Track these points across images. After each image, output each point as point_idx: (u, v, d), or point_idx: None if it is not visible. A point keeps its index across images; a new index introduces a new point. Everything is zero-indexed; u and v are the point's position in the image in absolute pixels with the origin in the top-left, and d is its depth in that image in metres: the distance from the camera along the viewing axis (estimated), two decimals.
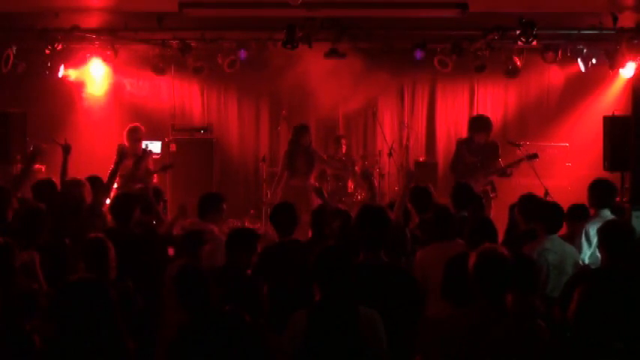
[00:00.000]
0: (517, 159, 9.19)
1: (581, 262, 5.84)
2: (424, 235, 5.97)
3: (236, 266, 5.15)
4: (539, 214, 5.70)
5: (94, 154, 9.79)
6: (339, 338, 3.92)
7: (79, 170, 7.37)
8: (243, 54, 10.19)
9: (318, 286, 4.07)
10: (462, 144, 9.39)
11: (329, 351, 3.92)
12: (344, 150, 10.64)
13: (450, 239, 5.50)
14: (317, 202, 8.64)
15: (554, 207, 5.79)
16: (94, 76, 10.77)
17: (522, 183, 9.51)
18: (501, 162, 9.26)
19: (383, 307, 4.15)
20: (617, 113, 8.95)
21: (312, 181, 8.96)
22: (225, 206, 6.60)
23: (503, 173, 9.18)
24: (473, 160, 9.09)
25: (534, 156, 9.03)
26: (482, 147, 9.22)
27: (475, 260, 3.93)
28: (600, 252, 4.91)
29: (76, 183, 6.60)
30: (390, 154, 10.43)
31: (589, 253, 5.84)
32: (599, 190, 6.07)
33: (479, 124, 9.41)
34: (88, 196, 6.50)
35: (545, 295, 5.11)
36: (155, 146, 10.49)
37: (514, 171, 9.32)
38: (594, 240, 5.82)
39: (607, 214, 5.96)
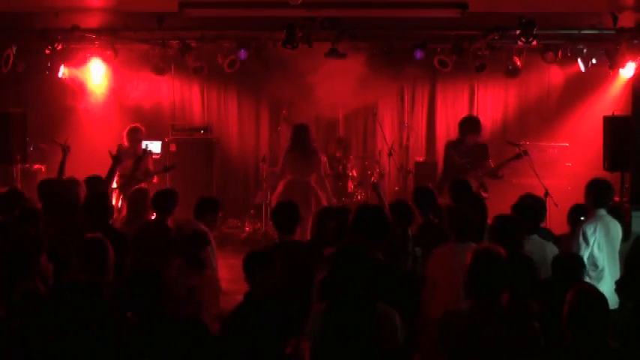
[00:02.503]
0: (505, 159, 8.98)
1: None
2: (428, 236, 5.94)
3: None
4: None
5: (94, 154, 9.78)
6: (355, 334, 3.93)
7: (80, 170, 7.39)
8: (243, 54, 10.19)
9: (337, 282, 4.08)
10: (449, 146, 9.10)
11: (345, 347, 3.94)
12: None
13: (465, 242, 5.21)
14: (313, 201, 8.65)
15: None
16: (94, 76, 10.79)
17: (522, 183, 9.51)
18: (491, 163, 9.08)
19: None
20: (617, 113, 8.92)
21: (309, 180, 8.92)
22: (220, 213, 6.54)
23: (494, 175, 8.96)
24: (462, 162, 8.92)
25: (523, 154, 8.81)
26: (471, 148, 8.97)
27: (470, 259, 3.94)
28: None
29: (73, 182, 6.61)
30: (390, 154, 10.44)
31: (587, 253, 5.82)
32: (596, 190, 6.03)
33: (469, 125, 9.15)
34: (83, 196, 6.49)
35: None
36: (155, 146, 10.51)
37: (512, 171, 9.25)
38: (591, 240, 5.82)
39: (603, 213, 5.94)
